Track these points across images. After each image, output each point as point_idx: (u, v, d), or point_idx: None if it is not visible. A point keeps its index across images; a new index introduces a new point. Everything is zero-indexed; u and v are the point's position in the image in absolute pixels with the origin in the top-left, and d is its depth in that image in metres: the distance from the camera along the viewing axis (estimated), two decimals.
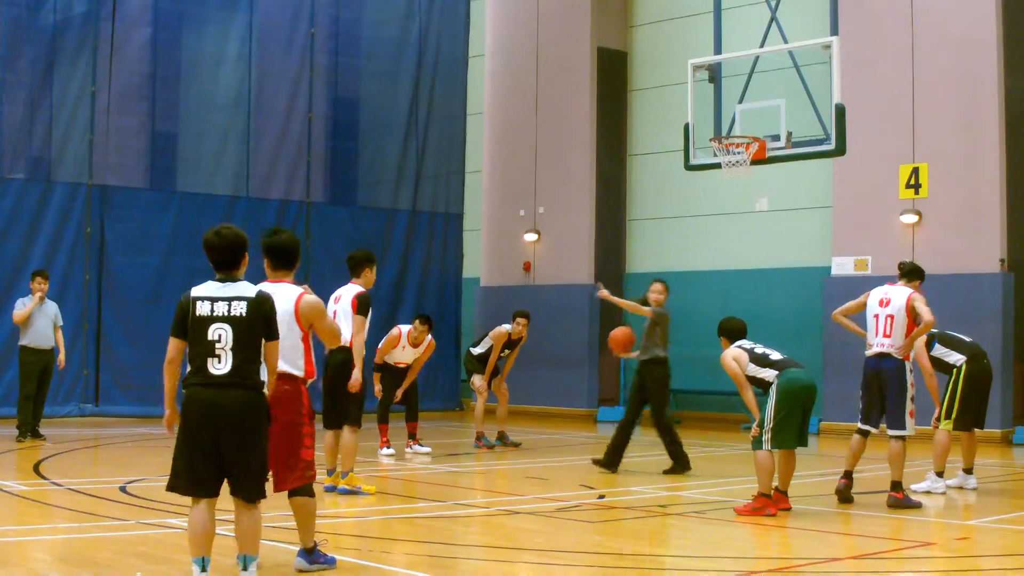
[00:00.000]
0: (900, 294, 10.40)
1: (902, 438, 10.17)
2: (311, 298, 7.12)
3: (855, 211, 18.10)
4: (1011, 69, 17.17)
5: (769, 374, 9.74)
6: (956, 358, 11.26)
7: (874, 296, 10.51)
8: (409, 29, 21.67)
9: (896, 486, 10.09)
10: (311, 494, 7.07)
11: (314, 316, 7.10)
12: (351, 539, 8.39)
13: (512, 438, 15.46)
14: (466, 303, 22.42)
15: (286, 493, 7.04)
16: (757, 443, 9.69)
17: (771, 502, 9.64)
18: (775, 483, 9.83)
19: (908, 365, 10.22)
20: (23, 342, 14.76)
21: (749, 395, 9.80)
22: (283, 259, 7.24)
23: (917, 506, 10.10)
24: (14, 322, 14.82)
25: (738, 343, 10.08)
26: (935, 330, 11.37)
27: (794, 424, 9.68)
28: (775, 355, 9.91)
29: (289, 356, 6.92)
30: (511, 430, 15.85)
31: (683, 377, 20.46)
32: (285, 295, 7.01)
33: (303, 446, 6.96)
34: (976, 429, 11.38)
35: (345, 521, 9.30)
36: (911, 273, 10.67)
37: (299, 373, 7.04)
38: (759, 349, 9.97)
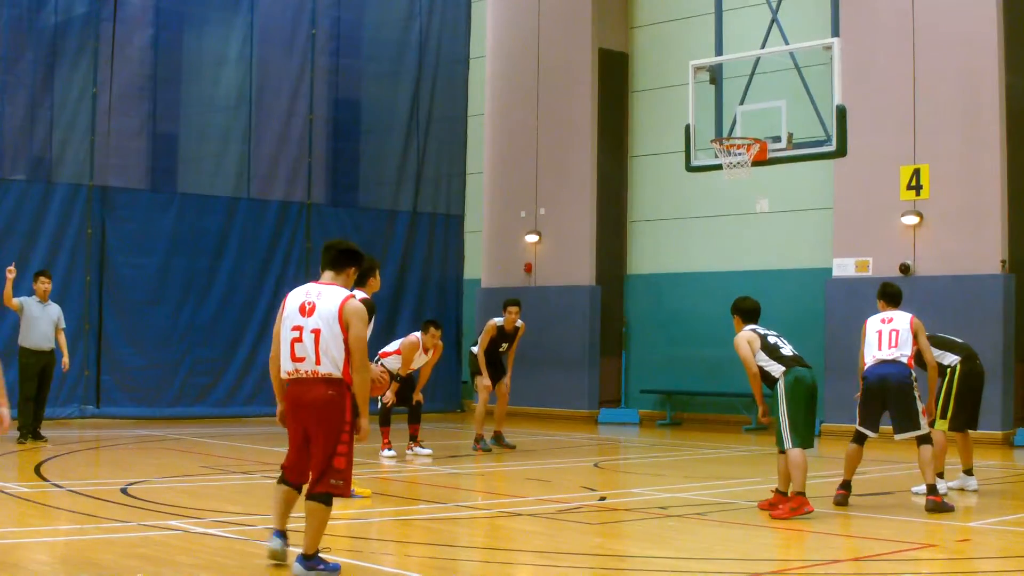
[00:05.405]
0: (902, 315, 10.52)
1: (925, 440, 10.17)
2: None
3: (856, 212, 18.08)
4: (1012, 69, 17.16)
5: (776, 369, 9.69)
6: (951, 359, 11.29)
7: (873, 319, 10.61)
8: (410, 30, 21.67)
9: (932, 489, 10.04)
10: (329, 503, 7.03)
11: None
12: (350, 541, 8.38)
13: (508, 440, 15.38)
14: (467, 304, 22.42)
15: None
16: (781, 443, 9.63)
17: (807, 500, 9.58)
18: (776, 486, 9.84)
19: (913, 372, 10.23)
20: (23, 343, 14.76)
21: (757, 384, 9.76)
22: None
23: (951, 509, 10.06)
24: (4, 303, 14.78)
25: (752, 326, 10.04)
26: (927, 333, 11.39)
27: (799, 426, 9.66)
28: (787, 349, 9.86)
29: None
30: (510, 432, 15.81)
31: (684, 379, 20.54)
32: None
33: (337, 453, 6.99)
34: (970, 430, 11.40)
35: (345, 523, 9.29)
36: (900, 295, 10.80)
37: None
38: (772, 338, 9.90)
